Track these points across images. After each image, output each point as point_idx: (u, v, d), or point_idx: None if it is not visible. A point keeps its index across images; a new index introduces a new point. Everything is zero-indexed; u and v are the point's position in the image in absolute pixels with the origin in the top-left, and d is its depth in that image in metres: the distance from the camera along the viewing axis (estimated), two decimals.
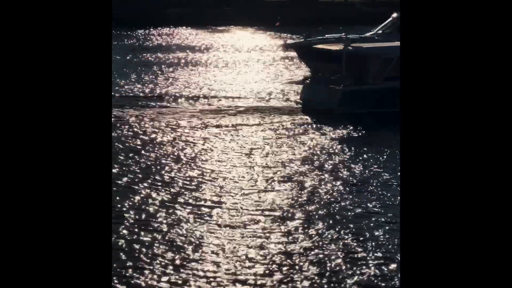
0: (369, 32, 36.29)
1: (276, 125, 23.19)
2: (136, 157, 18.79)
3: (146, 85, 30.95)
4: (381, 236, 12.87)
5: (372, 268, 11.88)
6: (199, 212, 14.44)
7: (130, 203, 14.91)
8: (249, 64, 38.15)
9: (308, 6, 64.95)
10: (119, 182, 16.43)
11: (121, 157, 18.64)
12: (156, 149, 19.70)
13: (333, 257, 12.23)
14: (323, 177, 17.14)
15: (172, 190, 15.95)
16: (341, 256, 12.29)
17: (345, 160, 18.71)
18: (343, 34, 35.45)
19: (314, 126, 23.06)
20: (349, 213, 14.44)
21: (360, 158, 18.85)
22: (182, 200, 15.21)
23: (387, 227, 13.41)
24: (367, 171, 17.41)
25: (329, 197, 15.64)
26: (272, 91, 29.86)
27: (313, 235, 13.25)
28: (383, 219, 13.84)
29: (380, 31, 35.73)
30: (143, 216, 14.26)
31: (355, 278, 11.53)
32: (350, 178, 16.99)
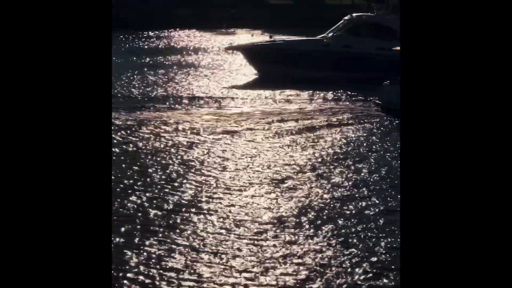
0: (320, 35, 36.15)
1: (368, 126, 23.12)
2: (154, 160, 18.57)
3: (160, 87, 30.70)
4: None
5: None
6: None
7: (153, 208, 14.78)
8: None
9: (314, 8, 64.95)
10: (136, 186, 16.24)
11: (139, 160, 18.46)
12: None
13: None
14: None
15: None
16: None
17: None
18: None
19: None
20: None
21: None
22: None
23: None
24: None
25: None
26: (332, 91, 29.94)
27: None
28: None
29: (330, 34, 35.63)
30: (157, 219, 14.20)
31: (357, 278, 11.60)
32: None
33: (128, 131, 21.77)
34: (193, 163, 18.06)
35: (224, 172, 17.29)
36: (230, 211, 14.35)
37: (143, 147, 19.87)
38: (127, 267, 11.59)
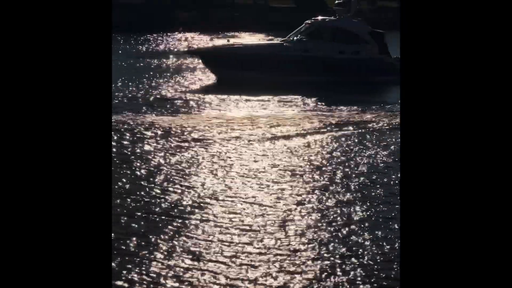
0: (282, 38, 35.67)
1: None
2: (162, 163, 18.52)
3: (162, 90, 30.55)
4: None
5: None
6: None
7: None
8: None
9: (317, 11, 64.91)
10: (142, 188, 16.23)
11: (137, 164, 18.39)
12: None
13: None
14: None
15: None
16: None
17: None
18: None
19: None
20: None
21: None
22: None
23: None
24: None
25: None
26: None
27: None
28: None
29: (291, 38, 35.08)
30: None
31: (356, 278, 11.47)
32: None
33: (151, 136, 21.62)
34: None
35: None
36: None
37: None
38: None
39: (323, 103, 28.23)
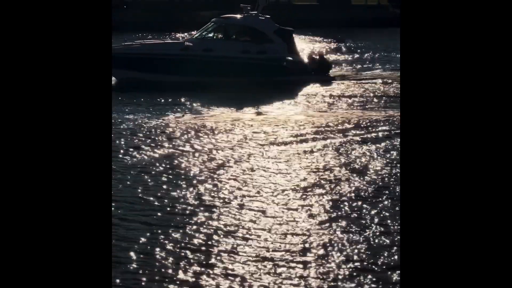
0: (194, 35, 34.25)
1: None
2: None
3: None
4: None
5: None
6: None
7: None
8: None
9: (340, 8, 64.95)
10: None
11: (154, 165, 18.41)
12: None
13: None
14: None
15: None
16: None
17: None
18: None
19: None
20: None
21: None
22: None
23: None
24: None
25: None
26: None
27: None
28: None
29: (197, 35, 33.74)
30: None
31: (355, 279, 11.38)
32: None
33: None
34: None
35: None
36: None
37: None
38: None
39: (223, 106, 27.07)
